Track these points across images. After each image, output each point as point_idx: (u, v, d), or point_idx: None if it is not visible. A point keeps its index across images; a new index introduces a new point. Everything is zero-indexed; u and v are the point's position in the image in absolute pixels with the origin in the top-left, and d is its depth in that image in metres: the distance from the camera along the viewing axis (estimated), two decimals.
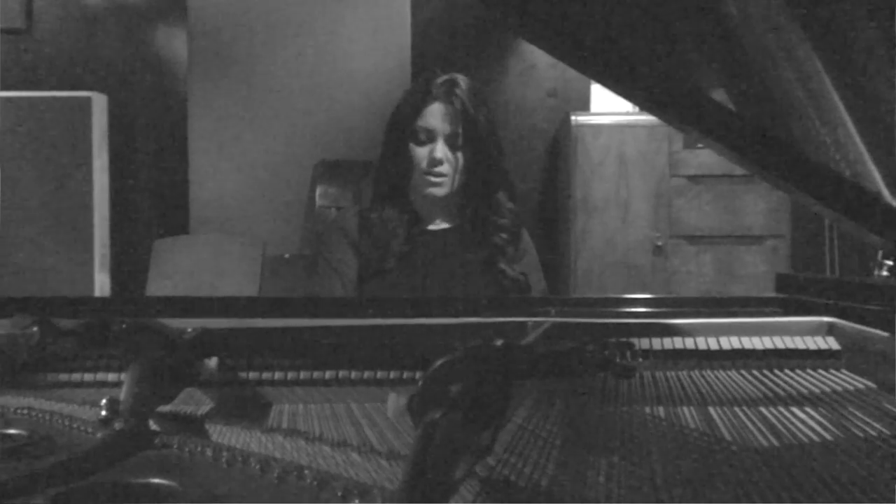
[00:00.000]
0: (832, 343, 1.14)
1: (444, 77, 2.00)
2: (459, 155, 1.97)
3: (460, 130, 1.95)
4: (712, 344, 1.15)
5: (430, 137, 1.97)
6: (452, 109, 1.96)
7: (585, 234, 3.99)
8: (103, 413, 0.90)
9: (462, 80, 2.00)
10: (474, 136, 1.96)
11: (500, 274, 1.98)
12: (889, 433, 0.86)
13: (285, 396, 1.11)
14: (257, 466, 0.81)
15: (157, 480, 0.79)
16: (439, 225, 2.06)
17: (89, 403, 1.05)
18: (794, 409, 0.97)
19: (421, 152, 1.97)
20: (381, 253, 1.96)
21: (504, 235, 2.01)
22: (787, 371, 1.11)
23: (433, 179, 1.97)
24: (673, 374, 1.12)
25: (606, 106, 4.10)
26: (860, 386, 1.04)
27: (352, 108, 4.00)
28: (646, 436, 0.90)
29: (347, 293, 1.98)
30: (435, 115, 1.97)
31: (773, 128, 1.07)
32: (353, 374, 1.13)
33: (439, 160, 1.95)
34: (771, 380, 1.09)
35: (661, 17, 1.03)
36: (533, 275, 2.06)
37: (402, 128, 2.00)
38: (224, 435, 0.94)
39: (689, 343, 1.15)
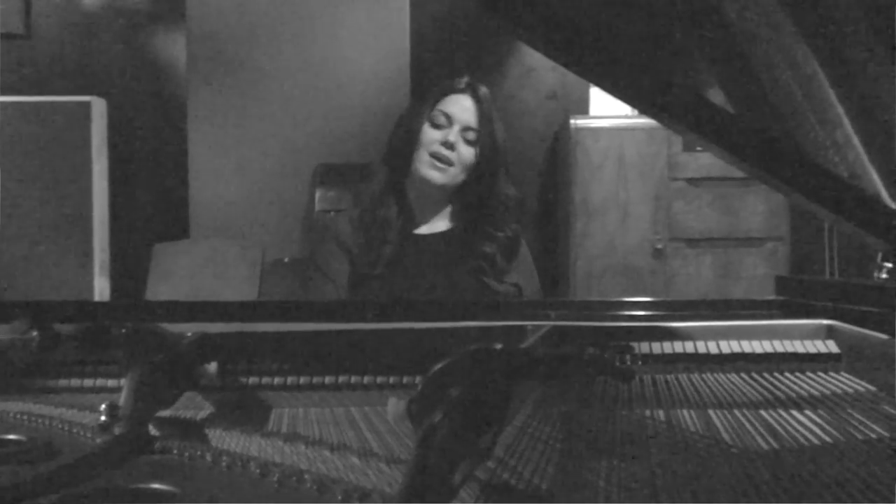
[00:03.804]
0: (832, 346, 1.14)
1: (469, 78, 2.06)
2: (469, 152, 1.98)
3: (476, 126, 1.99)
4: (712, 347, 1.15)
5: (448, 122, 2.00)
6: (474, 105, 2.01)
7: (585, 236, 3.99)
8: (103, 418, 0.90)
9: (485, 89, 2.07)
10: (489, 139, 1.99)
11: (485, 288, 1.98)
12: (889, 435, 0.86)
13: (285, 400, 1.11)
14: (257, 471, 0.81)
15: (156, 485, 0.79)
16: (431, 229, 2.05)
17: (89, 408, 1.05)
18: (794, 412, 0.97)
19: (434, 134, 2.00)
20: (372, 258, 1.96)
21: (494, 246, 2.00)
22: (786, 374, 1.11)
23: (438, 164, 1.98)
24: (672, 376, 1.12)
25: (606, 109, 4.10)
26: (860, 388, 1.04)
27: (351, 112, 3.99)
28: (645, 439, 0.90)
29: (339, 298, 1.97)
30: (456, 104, 2.01)
31: (772, 130, 1.07)
32: (353, 379, 1.13)
33: (452, 143, 1.98)
34: (771, 382, 1.09)
35: (659, 21, 1.03)
36: (527, 283, 2.06)
37: (420, 109, 2.04)
38: (224, 439, 0.94)
39: (689, 346, 1.15)
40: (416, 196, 2.05)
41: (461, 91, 2.02)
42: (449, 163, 1.98)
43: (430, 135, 2.00)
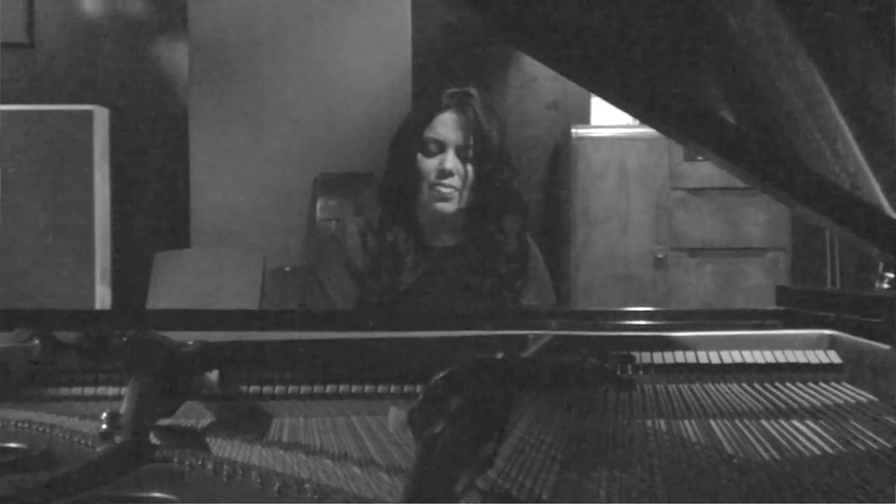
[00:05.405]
0: (833, 356, 1.14)
1: (456, 89, 1.94)
2: (470, 168, 1.91)
3: (471, 142, 1.90)
4: (713, 357, 1.15)
5: (441, 148, 1.90)
6: (464, 120, 1.90)
7: (586, 246, 3.99)
8: (104, 426, 0.90)
9: (475, 92, 1.94)
10: (486, 150, 1.90)
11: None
12: (890, 446, 0.86)
13: (286, 409, 1.11)
14: (258, 480, 0.81)
15: (157, 494, 0.79)
16: (445, 243, 2.01)
17: (90, 417, 1.05)
18: (796, 422, 0.96)
19: (430, 164, 1.90)
20: (384, 289, 1.91)
21: (510, 265, 1.95)
22: (788, 384, 1.11)
23: (442, 191, 1.90)
24: (674, 386, 1.12)
25: (607, 118, 4.10)
26: (861, 399, 1.04)
27: (353, 121, 4.00)
28: (647, 449, 0.90)
29: None
30: (445, 125, 1.91)
31: (773, 140, 1.07)
32: (354, 388, 1.12)
33: (449, 171, 1.89)
34: (772, 393, 1.08)
35: (660, 30, 1.03)
36: (544, 302, 2.03)
37: (410, 138, 1.93)
38: (225, 448, 0.94)
39: (690, 356, 1.15)
40: (426, 220, 1.98)
41: (444, 108, 1.91)
42: (452, 188, 1.90)
43: (426, 165, 1.91)
